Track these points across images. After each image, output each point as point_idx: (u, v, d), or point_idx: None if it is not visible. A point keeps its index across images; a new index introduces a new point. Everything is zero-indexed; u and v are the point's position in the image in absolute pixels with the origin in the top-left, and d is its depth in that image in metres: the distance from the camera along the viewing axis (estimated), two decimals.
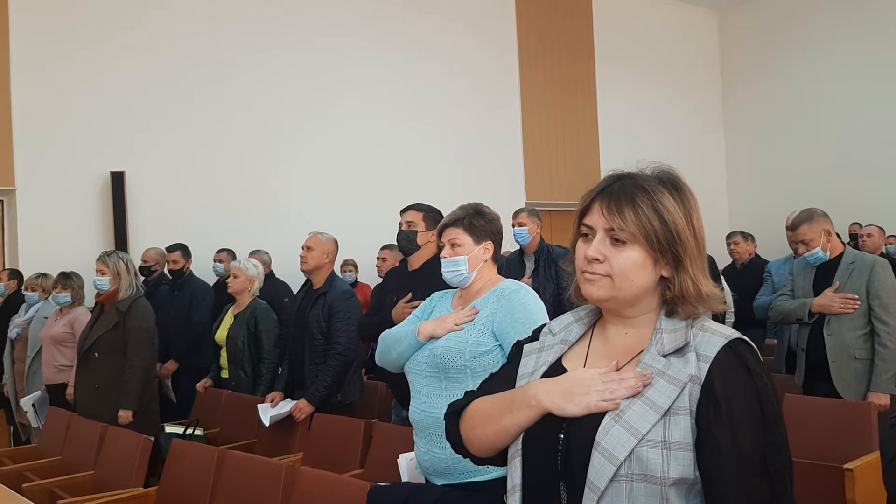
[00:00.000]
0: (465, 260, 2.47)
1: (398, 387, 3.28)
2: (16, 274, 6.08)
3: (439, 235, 2.57)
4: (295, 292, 6.20)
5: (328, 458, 3.56)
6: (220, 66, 7.35)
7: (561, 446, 1.23)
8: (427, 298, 2.65)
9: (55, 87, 6.54)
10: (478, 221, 2.52)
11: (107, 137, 6.75)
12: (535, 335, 1.44)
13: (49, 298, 5.55)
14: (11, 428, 6.06)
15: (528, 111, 9.48)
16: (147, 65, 6.97)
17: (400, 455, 2.72)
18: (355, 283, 7.17)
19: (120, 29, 6.87)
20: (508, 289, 2.42)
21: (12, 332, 5.75)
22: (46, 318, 5.47)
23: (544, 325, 1.46)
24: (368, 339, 4.02)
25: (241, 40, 7.48)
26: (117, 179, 6.68)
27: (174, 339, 5.67)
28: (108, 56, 6.79)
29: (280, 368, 4.73)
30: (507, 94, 9.35)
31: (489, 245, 2.52)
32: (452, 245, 2.49)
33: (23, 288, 5.88)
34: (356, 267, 7.43)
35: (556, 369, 1.33)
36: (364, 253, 7.14)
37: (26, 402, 5.29)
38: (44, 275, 5.81)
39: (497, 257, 2.56)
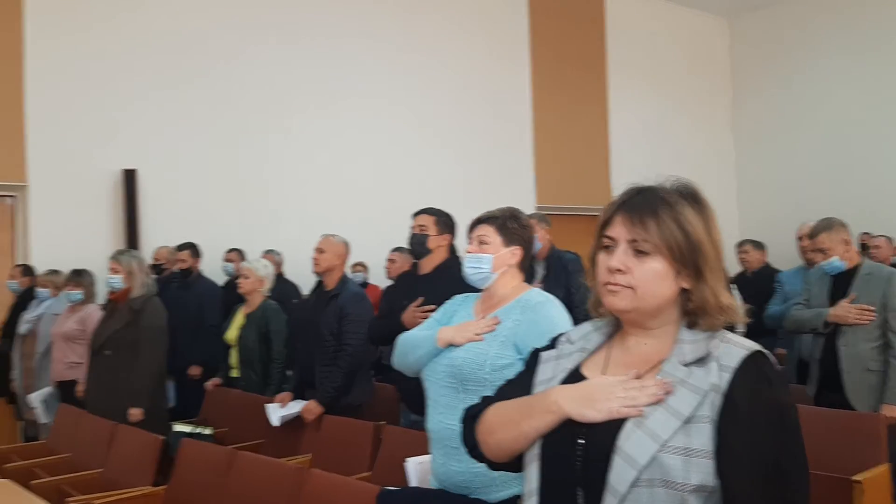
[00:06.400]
0: (489, 259, 2.39)
1: (408, 391, 3.28)
2: (28, 270, 6.10)
3: (470, 230, 2.49)
4: (303, 293, 6.24)
5: (336, 460, 3.55)
6: (234, 67, 7.36)
7: (580, 451, 1.25)
8: (448, 301, 2.58)
9: (68, 84, 6.56)
10: (511, 224, 2.44)
11: (119, 135, 6.77)
12: (553, 343, 1.45)
13: (60, 295, 5.58)
14: (20, 424, 6.09)
15: (540, 115, 9.47)
16: (161, 63, 6.99)
17: (408, 459, 2.71)
18: (365, 284, 7.18)
19: (133, 27, 6.89)
20: (533, 300, 2.35)
21: (22, 328, 5.78)
22: (56, 314, 5.50)
23: (562, 333, 1.47)
24: (378, 342, 4.02)
25: (255, 42, 7.50)
26: (129, 177, 6.70)
27: (184, 339, 5.66)
28: (121, 53, 6.81)
29: (290, 369, 4.74)
30: (519, 98, 9.35)
31: (518, 251, 2.43)
32: (480, 242, 2.42)
33: (34, 284, 5.91)
34: (366, 268, 7.45)
35: (574, 377, 1.35)
36: (373, 254, 7.14)
37: (35, 399, 5.31)
38: (55, 271, 5.84)
39: (525, 265, 2.48)
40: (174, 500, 3.37)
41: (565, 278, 4.45)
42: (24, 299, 5.96)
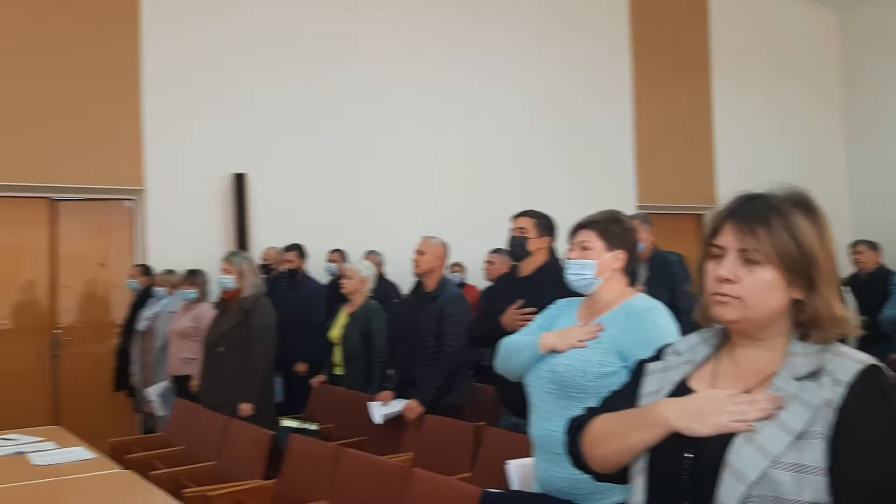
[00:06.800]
0: (593, 265, 2.34)
1: (508, 393, 3.29)
2: (146, 270, 6.44)
3: (571, 235, 2.45)
4: (403, 292, 6.35)
5: (437, 460, 3.59)
6: (337, 74, 7.56)
7: (687, 466, 1.24)
8: (550, 306, 2.54)
9: (181, 94, 6.90)
10: (614, 228, 2.39)
11: (230, 140, 7.08)
12: (659, 354, 1.44)
13: (176, 294, 5.87)
14: (139, 416, 6.43)
15: (641, 112, 9.30)
16: (268, 72, 7.26)
17: (509, 462, 2.72)
18: (462, 285, 7.23)
19: (242, 38, 7.19)
20: (639, 306, 2.30)
21: (141, 325, 6.09)
22: (172, 312, 5.78)
23: (668, 344, 1.45)
24: (478, 343, 4.05)
25: (359, 49, 7.68)
26: (239, 181, 6.99)
27: (291, 337, 5.84)
28: (231, 64, 7.11)
29: (391, 368, 4.82)
30: (619, 95, 9.22)
31: (621, 254, 2.38)
32: (582, 248, 2.38)
33: (152, 283, 6.24)
34: (463, 269, 7.50)
35: (681, 390, 1.33)
36: (469, 255, 7.18)
37: (152, 392, 5.61)
38: (171, 271, 6.15)
39: (630, 269, 2.43)
40: (283, 493, 3.48)
41: (669, 280, 4.36)
42: (143, 297, 6.28)
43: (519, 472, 2.65)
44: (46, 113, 6.41)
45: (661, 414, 1.27)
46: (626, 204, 8.54)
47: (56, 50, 6.48)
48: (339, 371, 5.08)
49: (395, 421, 4.23)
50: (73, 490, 3.31)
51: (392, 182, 7.76)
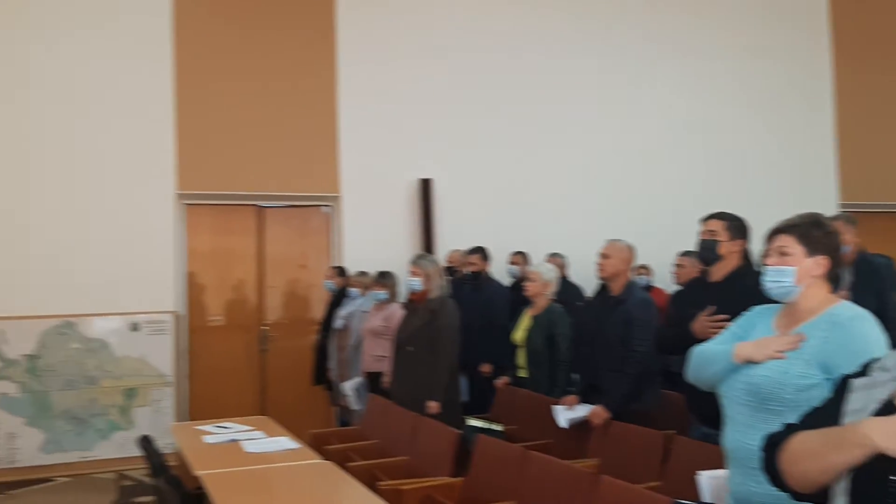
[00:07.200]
0: (792, 271, 2.22)
1: (699, 403, 3.19)
2: (342, 271, 6.83)
3: (768, 240, 2.34)
4: (587, 295, 6.30)
5: (624, 468, 3.53)
6: (517, 77, 7.67)
7: (893, 489, 1.17)
8: (745, 313, 2.43)
9: (372, 107, 7.32)
10: (815, 232, 2.26)
11: (417, 148, 7.40)
12: (865, 370, 1.37)
13: (368, 294, 6.18)
14: (335, 409, 6.82)
15: (844, 102, 8.66)
16: (451, 86, 7.52)
17: (701, 473, 2.65)
18: (649, 288, 7.06)
19: (424, 52, 7.50)
20: (843, 315, 2.17)
21: (337, 323, 6.46)
22: (365, 311, 6.08)
23: (875, 359, 1.37)
24: (667, 351, 3.92)
25: (536, 51, 7.76)
26: (425, 186, 7.26)
27: (475, 338, 5.96)
28: (416, 78, 7.45)
29: (575, 372, 4.80)
30: (818, 86, 8.64)
31: (823, 260, 2.24)
32: (781, 253, 2.26)
33: (347, 284, 6.60)
34: (650, 271, 7.33)
35: (888, 408, 1.26)
36: (657, 256, 7.00)
37: (348, 387, 5.93)
38: (364, 273, 6.48)
39: (832, 276, 2.28)
40: (471, 491, 3.57)
41: (877, 284, 4.06)
42: (339, 297, 6.66)
43: (711, 483, 2.57)
44: (255, 131, 7.03)
45: (865, 434, 1.20)
46: (828, 202, 8.02)
47: (263, 75, 7.08)
48: (522, 373, 5.11)
49: (580, 426, 4.21)
50: (282, 477, 3.58)
51: (576, 183, 7.74)
